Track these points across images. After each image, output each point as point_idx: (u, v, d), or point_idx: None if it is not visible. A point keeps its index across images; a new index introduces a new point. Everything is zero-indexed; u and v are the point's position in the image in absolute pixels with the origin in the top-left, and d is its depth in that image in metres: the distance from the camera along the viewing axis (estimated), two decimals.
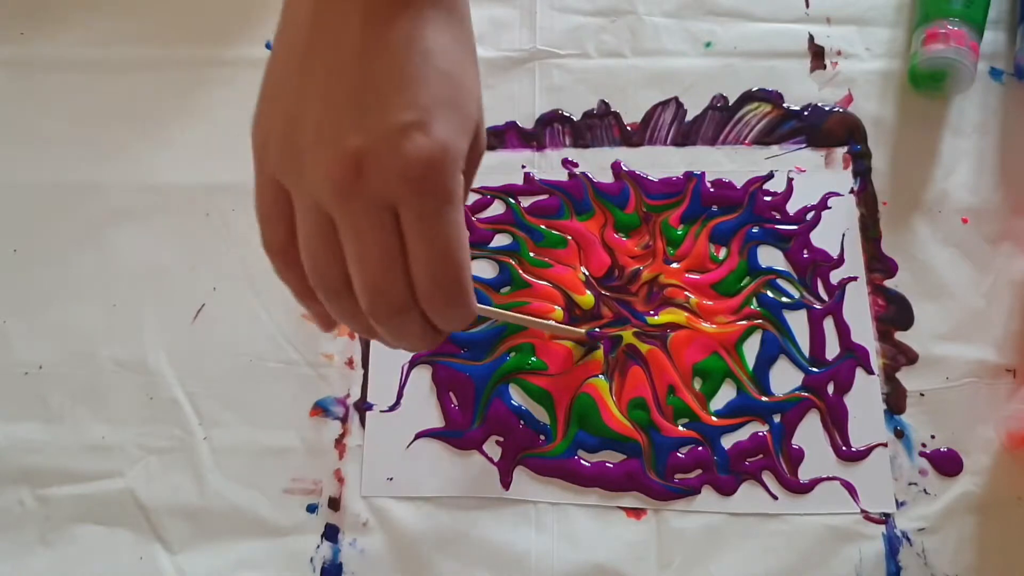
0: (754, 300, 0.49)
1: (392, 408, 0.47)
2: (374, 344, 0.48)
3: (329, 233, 0.27)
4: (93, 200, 0.53)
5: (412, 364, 0.48)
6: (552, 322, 0.47)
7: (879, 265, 0.49)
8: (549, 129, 0.53)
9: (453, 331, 0.30)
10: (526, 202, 0.51)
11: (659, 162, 0.52)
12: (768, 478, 0.45)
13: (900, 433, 0.46)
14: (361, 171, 0.25)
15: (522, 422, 0.46)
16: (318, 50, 0.27)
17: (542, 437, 0.46)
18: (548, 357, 0.48)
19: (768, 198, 0.51)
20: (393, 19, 0.26)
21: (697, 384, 0.47)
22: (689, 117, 0.53)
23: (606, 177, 0.52)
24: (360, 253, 0.27)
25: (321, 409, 0.47)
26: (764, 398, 0.46)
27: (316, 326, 0.32)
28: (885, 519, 0.44)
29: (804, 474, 0.45)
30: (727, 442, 0.46)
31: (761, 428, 0.46)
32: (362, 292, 0.27)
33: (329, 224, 0.27)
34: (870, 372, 0.47)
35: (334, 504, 0.45)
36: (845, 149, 0.52)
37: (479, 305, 0.31)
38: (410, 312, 0.28)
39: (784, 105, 0.53)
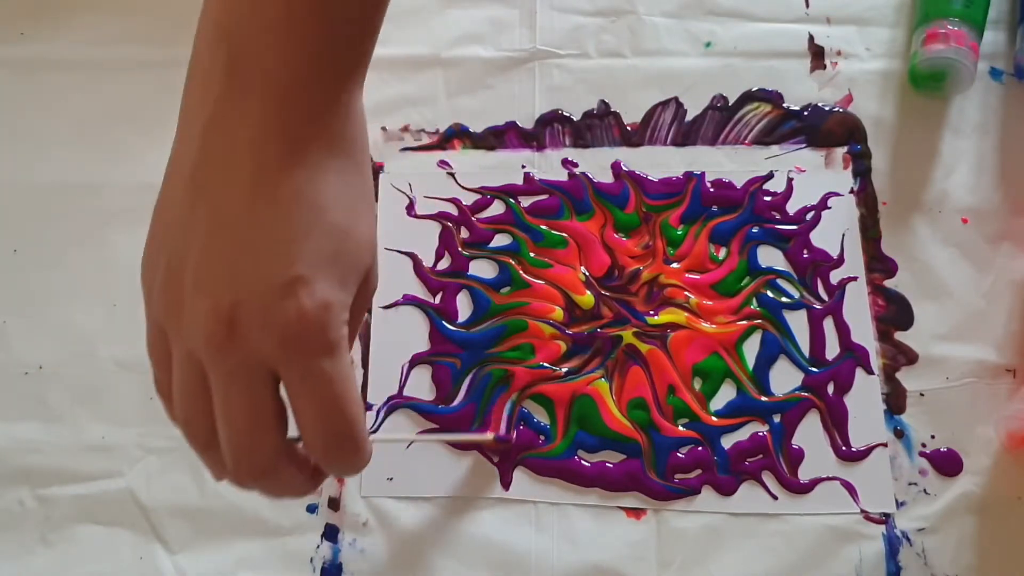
0: (754, 300, 0.49)
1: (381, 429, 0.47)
2: (374, 344, 0.48)
3: (200, 385, 0.26)
4: (93, 200, 0.52)
5: (412, 364, 0.48)
6: (453, 435, 0.46)
7: (879, 265, 0.49)
8: (549, 129, 0.53)
9: (345, 476, 0.29)
10: (526, 202, 0.51)
11: (659, 162, 0.52)
12: (768, 478, 0.45)
13: (900, 433, 0.46)
14: (235, 328, 0.25)
15: (522, 422, 0.46)
16: (204, 193, 0.26)
17: (542, 437, 0.46)
18: (544, 355, 0.48)
19: (768, 198, 0.51)
20: (284, 168, 0.25)
21: (697, 384, 0.47)
22: (689, 117, 0.53)
23: (606, 177, 0.52)
24: (227, 412, 0.26)
25: None
26: (764, 398, 0.46)
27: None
28: (885, 519, 0.44)
29: (804, 474, 0.45)
30: (727, 442, 0.46)
31: (761, 428, 0.46)
32: (227, 451, 0.26)
33: (201, 376, 0.26)
34: (870, 372, 0.47)
35: (334, 504, 0.45)
36: (845, 149, 0.52)
37: (373, 437, 0.30)
38: (277, 473, 0.27)
39: (784, 105, 0.53)
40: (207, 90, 0.26)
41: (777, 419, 0.46)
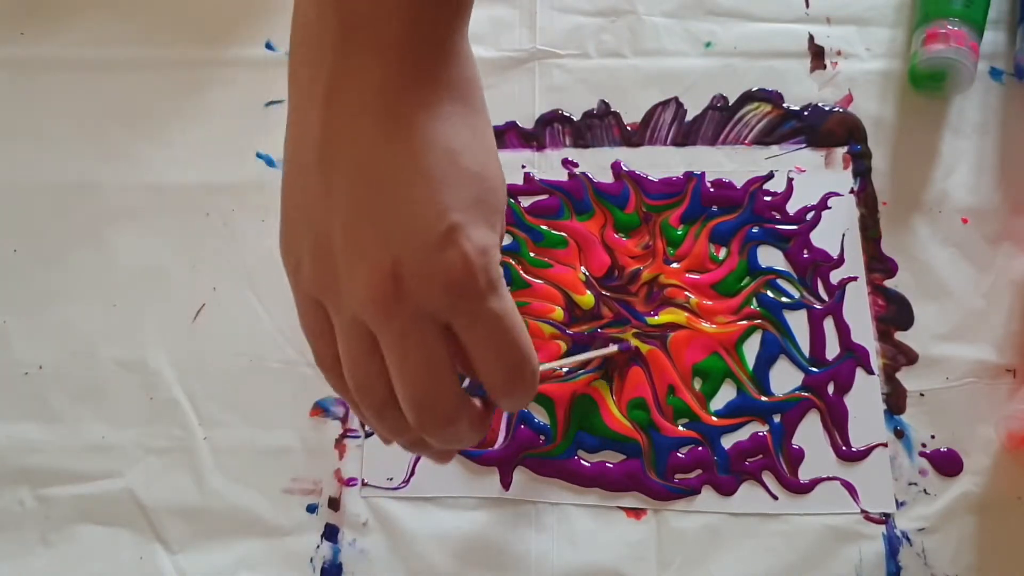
0: (754, 300, 0.49)
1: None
2: None
3: (370, 349, 0.26)
4: (93, 200, 0.53)
5: None
6: (592, 354, 0.46)
7: (879, 265, 0.49)
8: (549, 129, 0.53)
9: (520, 408, 0.30)
10: (526, 202, 0.51)
11: (659, 162, 0.52)
12: (768, 478, 0.45)
13: (900, 433, 0.46)
14: (400, 285, 0.25)
15: (522, 422, 0.46)
16: (337, 158, 0.26)
17: (542, 437, 0.46)
18: (544, 355, 0.48)
19: (768, 198, 0.51)
20: (411, 120, 0.25)
21: (697, 384, 0.47)
22: (689, 117, 0.53)
23: (606, 177, 0.52)
24: (405, 368, 0.26)
25: (321, 409, 0.47)
26: (764, 398, 0.46)
27: None
28: (885, 519, 0.44)
29: (804, 474, 0.45)
30: (727, 442, 0.46)
31: (761, 428, 0.46)
32: (409, 407, 0.26)
33: (369, 339, 0.26)
34: (870, 372, 0.47)
35: (334, 504, 0.45)
36: (845, 149, 0.52)
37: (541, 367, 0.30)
38: (459, 420, 0.27)
39: (784, 105, 0.53)
40: (319, 63, 0.26)
41: (777, 419, 0.46)
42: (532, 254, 0.50)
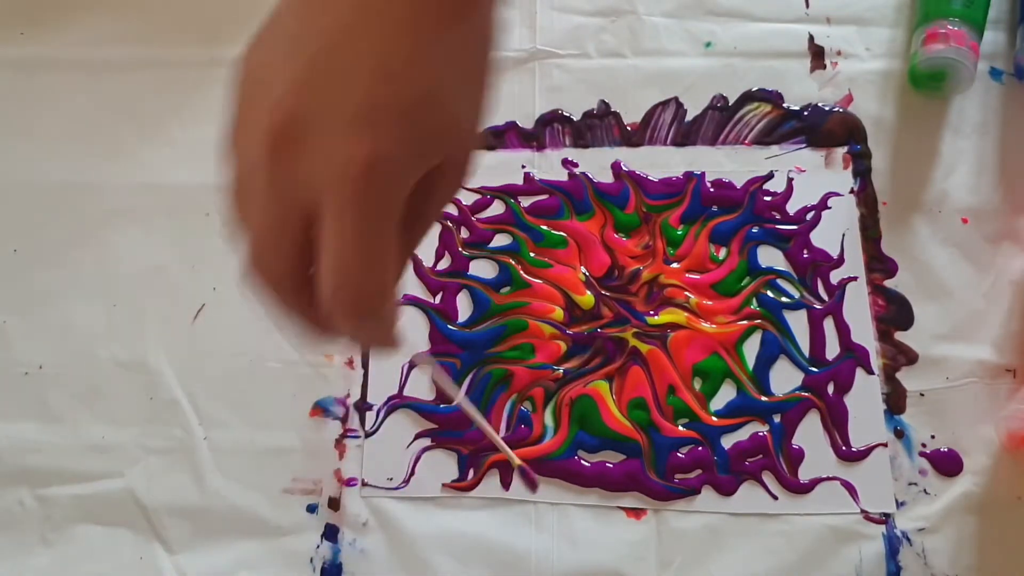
0: (754, 300, 0.49)
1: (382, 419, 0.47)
2: None
3: (305, 234, 0.25)
4: (93, 200, 0.53)
5: (411, 365, 0.48)
6: (499, 438, 0.42)
7: (879, 265, 0.49)
8: (549, 129, 0.53)
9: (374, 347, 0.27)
10: (526, 202, 0.51)
11: (659, 162, 0.52)
12: (768, 478, 0.45)
13: (900, 433, 0.46)
14: (374, 169, 0.23)
15: (522, 423, 0.46)
16: (359, 25, 0.24)
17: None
18: (544, 355, 0.48)
19: (768, 198, 0.51)
20: (443, 30, 0.25)
21: (697, 384, 0.47)
22: (689, 117, 0.53)
23: (606, 177, 0.52)
24: (356, 250, 0.24)
25: (321, 409, 0.47)
26: (764, 398, 0.46)
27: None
28: (885, 519, 0.44)
29: (804, 474, 0.45)
30: (727, 442, 0.46)
31: (761, 428, 0.46)
32: (344, 290, 0.25)
33: (307, 224, 0.25)
34: (870, 372, 0.47)
35: (334, 504, 0.45)
36: (845, 149, 0.52)
37: (465, 401, 0.28)
38: (384, 308, 0.25)
39: (784, 105, 0.53)
40: None
41: (777, 419, 0.46)
42: (532, 254, 0.50)
